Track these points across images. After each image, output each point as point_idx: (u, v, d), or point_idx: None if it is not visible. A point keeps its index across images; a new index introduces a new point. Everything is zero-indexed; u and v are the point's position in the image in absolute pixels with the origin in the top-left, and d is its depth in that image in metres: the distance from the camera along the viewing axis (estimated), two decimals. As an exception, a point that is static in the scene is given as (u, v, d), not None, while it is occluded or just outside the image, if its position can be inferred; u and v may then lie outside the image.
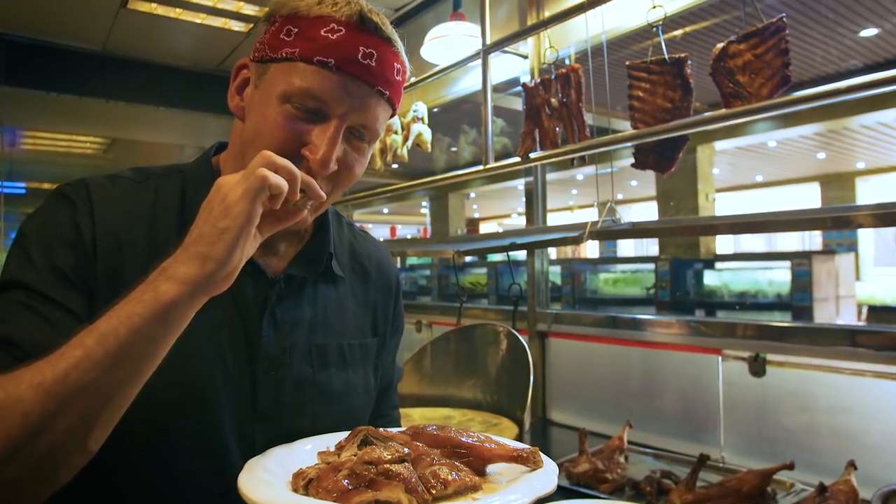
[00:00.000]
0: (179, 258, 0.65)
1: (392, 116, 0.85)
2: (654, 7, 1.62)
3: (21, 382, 0.60)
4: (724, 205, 14.91)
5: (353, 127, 0.79)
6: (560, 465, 1.63)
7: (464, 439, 0.69)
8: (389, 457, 0.62)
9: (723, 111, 1.49)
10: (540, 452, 0.70)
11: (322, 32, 0.75)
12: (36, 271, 0.73)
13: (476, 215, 20.83)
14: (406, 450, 0.64)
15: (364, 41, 0.76)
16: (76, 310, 0.74)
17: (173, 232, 0.82)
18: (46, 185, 4.93)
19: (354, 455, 0.64)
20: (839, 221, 1.41)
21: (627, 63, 1.69)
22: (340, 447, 0.69)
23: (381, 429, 0.71)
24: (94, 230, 0.78)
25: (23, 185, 4.30)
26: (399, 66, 0.81)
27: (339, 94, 0.75)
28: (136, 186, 0.85)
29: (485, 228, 21.18)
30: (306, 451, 0.75)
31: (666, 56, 1.62)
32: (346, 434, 0.75)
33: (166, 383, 0.70)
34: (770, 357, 1.72)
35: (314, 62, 0.74)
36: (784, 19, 1.40)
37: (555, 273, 6.82)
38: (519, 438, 1.56)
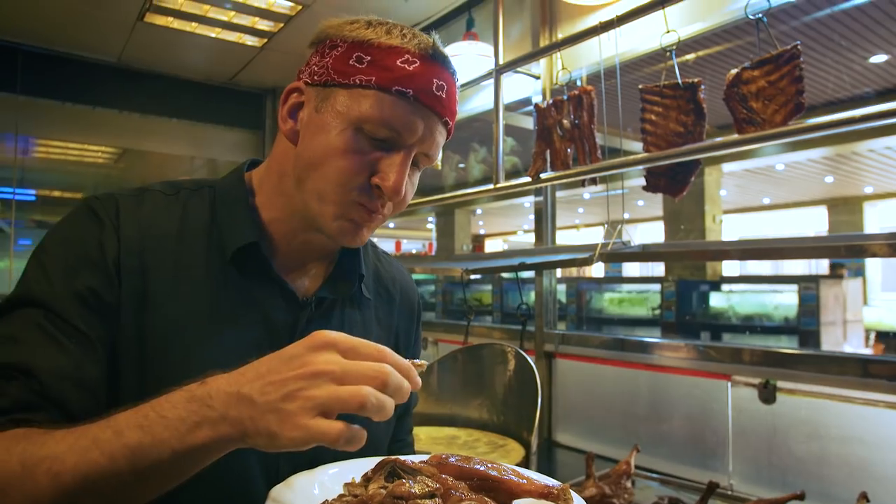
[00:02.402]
0: (229, 402, 0.58)
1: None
2: (668, 32, 1.63)
3: (41, 462, 0.58)
4: (731, 227, 14.89)
5: (416, 155, 0.80)
6: (566, 489, 1.61)
7: (492, 472, 0.67)
8: (419, 491, 0.60)
9: (736, 136, 1.49)
10: (570, 490, 0.68)
11: (398, 63, 0.75)
12: (54, 291, 0.72)
13: (482, 231, 20.85)
14: (436, 484, 0.63)
15: (437, 74, 0.77)
16: (90, 334, 0.72)
17: (201, 250, 0.81)
18: (56, 193, 4.96)
19: (382, 488, 0.62)
20: (853, 250, 1.41)
21: (640, 87, 1.70)
22: (367, 478, 0.68)
23: (406, 458, 0.70)
24: (119, 251, 0.76)
25: (33, 192, 4.33)
26: (458, 95, 0.83)
27: (413, 124, 0.76)
28: (166, 200, 0.83)
29: (490, 245, 21.18)
30: (330, 477, 0.74)
31: (679, 80, 1.63)
32: (367, 460, 0.74)
33: None
34: (780, 384, 1.71)
35: (392, 91, 0.74)
36: (798, 47, 1.41)
37: (560, 291, 6.81)
38: (526, 460, 1.54)
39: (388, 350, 0.61)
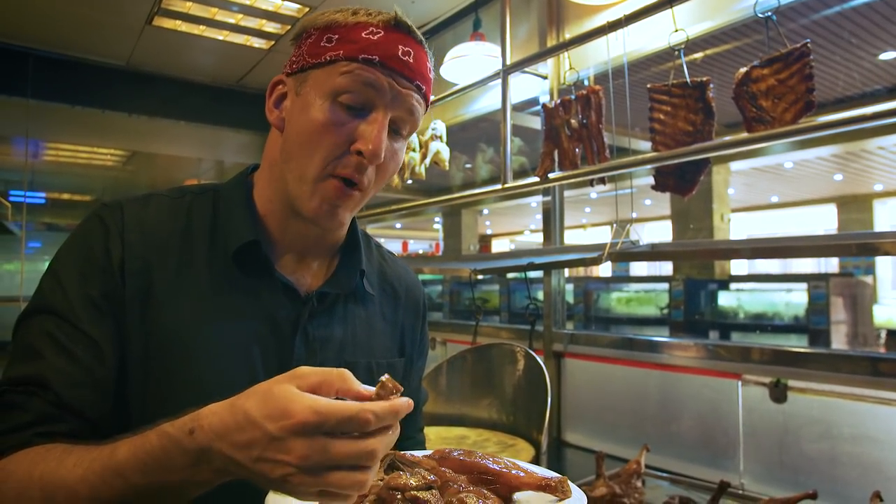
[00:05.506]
0: (223, 450, 0.57)
1: (425, 112, 0.88)
2: (677, 30, 1.63)
3: (58, 491, 0.62)
4: (739, 225, 14.79)
5: (393, 120, 0.82)
6: (577, 489, 1.61)
7: (491, 466, 0.68)
8: (416, 483, 0.61)
9: (745, 135, 1.48)
10: (569, 482, 0.69)
11: (363, 35, 0.80)
12: (67, 298, 0.76)
13: (489, 231, 20.82)
14: (433, 476, 0.64)
15: (402, 41, 0.81)
16: (100, 338, 0.76)
17: (204, 249, 0.84)
18: (66, 196, 4.99)
19: (381, 480, 0.63)
20: (864, 248, 1.40)
21: (649, 86, 1.70)
22: None
23: (408, 452, 0.71)
24: (123, 253, 0.79)
25: (43, 195, 4.37)
26: (430, 65, 0.86)
27: (384, 87, 0.80)
28: (171, 203, 0.87)
29: (497, 245, 21.14)
30: None
31: (688, 79, 1.62)
32: None
33: (197, 401, 0.70)
34: (791, 383, 1.70)
35: (359, 60, 0.79)
36: (808, 45, 1.40)
37: (568, 291, 6.79)
38: (536, 460, 1.54)
39: (369, 407, 0.54)
